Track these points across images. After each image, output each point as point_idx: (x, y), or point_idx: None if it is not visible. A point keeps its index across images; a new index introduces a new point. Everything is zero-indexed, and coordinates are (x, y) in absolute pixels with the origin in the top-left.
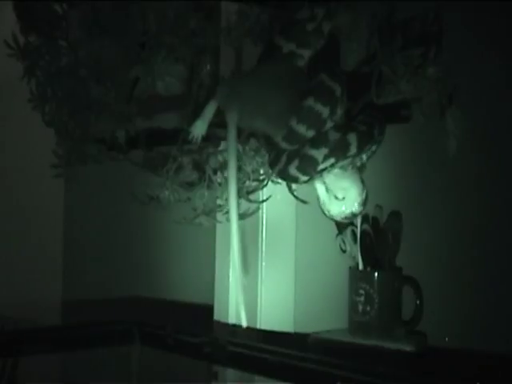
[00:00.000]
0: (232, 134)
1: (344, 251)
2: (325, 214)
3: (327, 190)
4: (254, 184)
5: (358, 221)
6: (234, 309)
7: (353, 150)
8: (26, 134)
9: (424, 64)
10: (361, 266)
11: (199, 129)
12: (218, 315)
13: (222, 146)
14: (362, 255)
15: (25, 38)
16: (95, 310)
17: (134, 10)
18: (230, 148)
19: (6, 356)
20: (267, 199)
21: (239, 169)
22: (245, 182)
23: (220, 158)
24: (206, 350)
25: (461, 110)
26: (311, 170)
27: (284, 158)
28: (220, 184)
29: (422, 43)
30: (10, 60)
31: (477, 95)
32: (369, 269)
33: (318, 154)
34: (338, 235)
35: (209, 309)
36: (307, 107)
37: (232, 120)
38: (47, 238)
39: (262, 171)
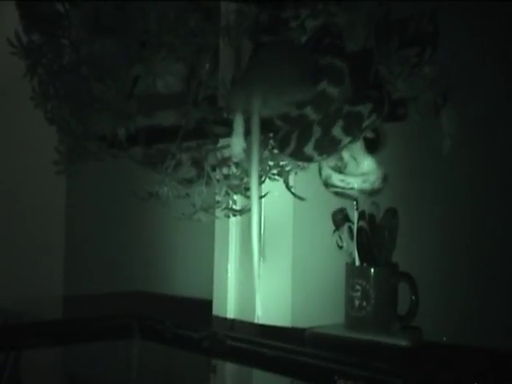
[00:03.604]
0: (256, 123)
1: (341, 247)
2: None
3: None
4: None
5: (355, 217)
6: (232, 304)
7: (386, 108)
8: (29, 132)
9: (420, 63)
10: (357, 262)
11: (237, 146)
12: (216, 310)
13: (221, 143)
14: (358, 251)
15: (27, 36)
16: (96, 304)
17: (135, 9)
18: (254, 138)
19: (8, 349)
20: (265, 195)
21: (237, 166)
22: (243, 179)
23: (218, 155)
24: (205, 344)
25: (455, 109)
26: (356, 127)
27: (294, 139)
28: (218, 181)
29: (418, 43)
30: (13, 58)
31: (471, 94)
32: (365, 265)
33: (364, 109)
34: (334, 231)
35: (208, 304)
36: (321, 91)
37: (256, 111)
38: (49, 234)
39: (259, 168)
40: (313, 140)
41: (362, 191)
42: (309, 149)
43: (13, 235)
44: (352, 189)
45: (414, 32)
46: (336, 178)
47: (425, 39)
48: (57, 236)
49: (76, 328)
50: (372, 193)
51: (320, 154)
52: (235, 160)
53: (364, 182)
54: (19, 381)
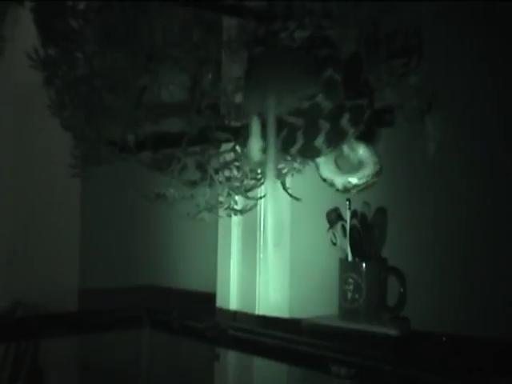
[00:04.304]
0: (272, 123)
1: (335, 244)
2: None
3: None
4: (252, 182)
5: (348, 216)
6: (234, 296)
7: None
8: (47, 137)
9: (406, 74)
10: (350, 258)
11: (255, 148)
12: (220, 302)
13: (222, 148)
14: (351, 248)
15: (45, 51)
16: (108, 297)
17: (142, 25)
18: (270, 137)
19: (28, 339)
20: (264, 196)
21: (238, 169)
22: (243, 181)
23: (220, 158)
24: (209, 334)
25: (439, 115)
26: (360, 118)
27: (301, 136)
28: (221, 183)
29: (404, 55)
30: (32, 70)
31: (454, 101)
32: (357, 260)
33: (364, 101)
34: (329, 229)
35: (211, 296)
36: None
37: (271, 111)
38: (65, 231)
39: (259, 171)
40: (322, 133)
41: (360, 186)
42: (318, 142)
43: (32, 234)
44: (354, 187)
45: (401, 45)
46: (339, 183)
47: (411, 51)
48: (72, 234)
49: (90, 319)
50: (368, 186)
51: (328, 147)
52: (254, 161)
53: (361, 178)
54: (39, 367)
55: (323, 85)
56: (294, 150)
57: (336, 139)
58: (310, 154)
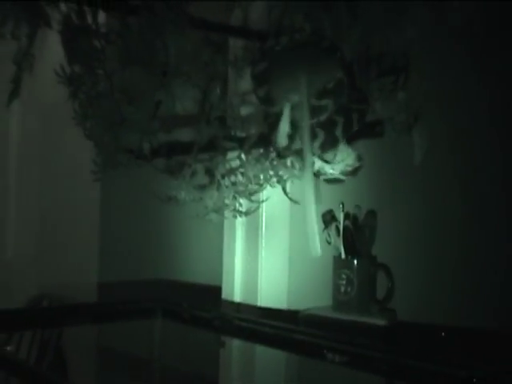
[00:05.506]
0: (306, 108)
1: (329, 243)
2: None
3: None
4: (255, 187)
5: (341, 218)
6: (238, 289)
7: None
8: (71, 145)
9: (394, 90)
10: (343, 255)
11: (283, 133)
12: (225, 294)
13: (229, 155)
14: (344, 246)
15: (70, 68)
16: (125, 289)
17: (158, 45)
18: (305, 123)
19: (52, 327)
20: (266, 200)
21: (242, 174)
22: (247, 186)
23: (227, 165)
24: (216, 324)
25: (424, 127)
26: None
27: (320, 130)
28: (227, 187)
29: (393, 73)
30: (59, 86)
31: (438, 115)
32: (349, 257)
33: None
34: (324, 229)
35: (217, 289)
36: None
37: (304, 97)
38: (86, 230)
39: (261, 176)
40: (340, 124)
41: (345, 173)
42: (338, 132)
43: (57, 233)
44: (340, 174)
45: (390, 64)
46: (328, 168)
47: (399, 70)
48: (92, 233)
49: (108, 310)
50: (353, 173)
51: (344, 137)
52: (281, 145)
53: (346, 166)
54: (62, 352)
55: (334, 86)
56: (316, 144)
57: (349, 131)
58: (331, 145)
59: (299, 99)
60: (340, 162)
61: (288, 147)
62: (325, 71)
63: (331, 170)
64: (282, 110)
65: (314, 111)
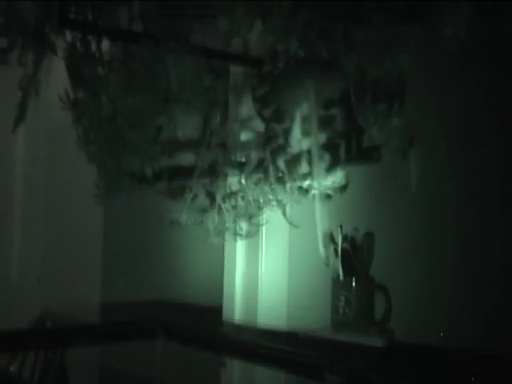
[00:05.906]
0: (313, 108)
1: (328, 265)
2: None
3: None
4: (255, 210)
5: (339, 240)
6: (239, 311)
7: None
8: (75, 169)
9: (390, 116)
10: (341, 277)
11: (296, 137)
12: (226, 315)
13: (229, 180)
14: (342, 268)
15: (74, 94)
16: (127, 310)
17: (160, 72)
18: (313, 125)
19: (56, 347)
20: (265, 223)
21: (242, 198)
22: (247, 209)
23: (227, 189)
24: (217, 344)
25: (419, 153)
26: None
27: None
28: (227, 210)
29: (388, 99)
30: (63, 111)
31: (432, 140)
32: (348, 279)
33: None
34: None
35: (218, 310)
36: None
37: (312, 102)
38: (89, 252)
39: (261, 200)
40: (342, 147)
41: (333, 190)
42: (342, 153)
43: (60, 254)
44: (328, 190)
45: (385, 91)
46: (317, 184)
47: (394, 96)
48: (95, 255)
49: (110, 329)
50: (340, 190)
51: (346, 158)
52: (295, 152)
53: (334, 183)
54: (64, 371)
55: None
56: (342, 152)
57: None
58: (335, 167)
59: (308, 111)
60: (329, 179)
61: (290, 171)
62: (329, 81)
63: (321, 186)
64: (291, 125)
65: (323, 122)
